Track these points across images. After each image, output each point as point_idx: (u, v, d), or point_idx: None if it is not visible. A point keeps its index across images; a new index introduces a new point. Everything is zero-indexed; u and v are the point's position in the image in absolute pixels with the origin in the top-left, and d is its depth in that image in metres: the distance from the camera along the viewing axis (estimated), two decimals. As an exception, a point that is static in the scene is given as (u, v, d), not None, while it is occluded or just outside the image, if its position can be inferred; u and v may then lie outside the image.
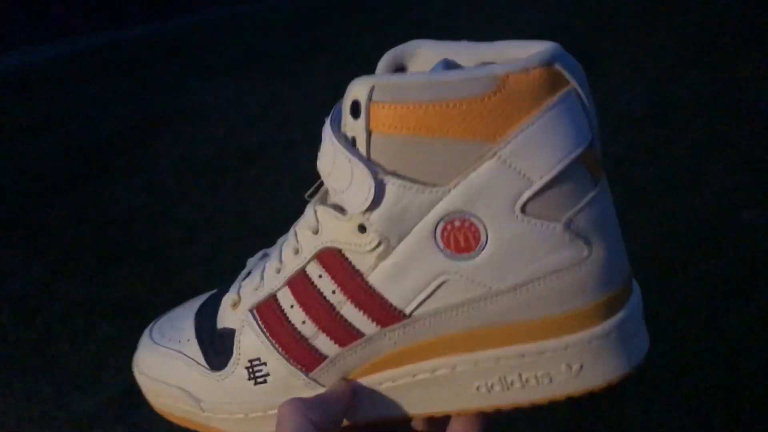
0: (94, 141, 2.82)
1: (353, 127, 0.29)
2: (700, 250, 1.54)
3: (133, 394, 1.43)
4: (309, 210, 0.33)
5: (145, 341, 0.39)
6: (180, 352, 0.36)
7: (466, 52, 0.31)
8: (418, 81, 0.28)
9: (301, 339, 0.32)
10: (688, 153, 1.93)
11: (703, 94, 2.21)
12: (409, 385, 0.32)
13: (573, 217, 0.29)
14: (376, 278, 0.31)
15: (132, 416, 1.37)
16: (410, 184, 0.29)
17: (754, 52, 2.34)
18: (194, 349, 0.36)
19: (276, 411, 0.32)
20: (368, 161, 0.29)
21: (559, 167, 0.28)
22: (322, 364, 0.33)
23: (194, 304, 0.39)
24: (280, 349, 0.33)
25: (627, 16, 2.89)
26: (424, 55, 0.32)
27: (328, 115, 0.31)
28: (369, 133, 0.29)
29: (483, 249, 0.29)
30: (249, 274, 0.36)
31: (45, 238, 2.09)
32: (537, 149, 0.28)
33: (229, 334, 0.34)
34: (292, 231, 0.34)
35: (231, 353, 0.34)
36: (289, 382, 0.33)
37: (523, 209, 0.29)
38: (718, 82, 2.27)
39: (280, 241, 0.36)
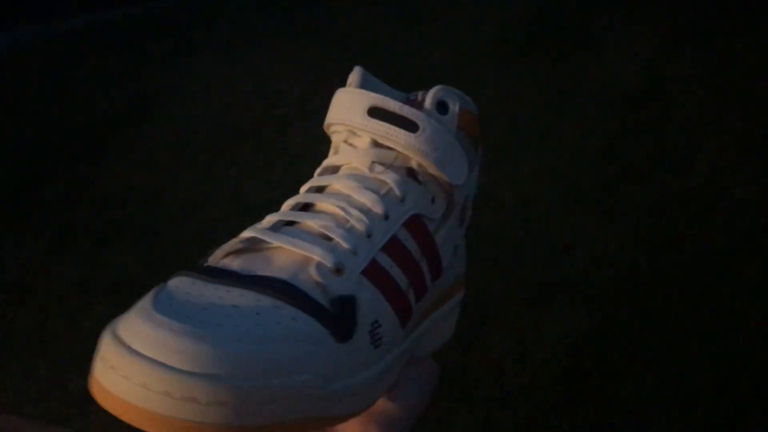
0: (87, 121, 2.80)
1: (447, 122, 0.39)
2: (693, 227, 1.55)
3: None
4: (389, 177, 0.37)
5: (214, 338, 0.26)
6: (289, 335, 0.28)
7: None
8: (467, 98, 0.40)
9: (403, 296, 0.35)
10: (682, 130, 1.93)
11: (699, 72, 2.21)
12: (431, 326, 0.40)
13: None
14: (437, 240, 0.38)
15: (129, 395, 1.38)
16: (475, 171, 0.41)
17: (751, 30, 2.34)
18: (308, 325, 0.29)
19: (387, 372, 0.34)
20: (468, 151, 0.39)
21: None
22: (411, 318, 0.36)
23: (206, 287, 0.30)
24: (392, 308, 0.34)
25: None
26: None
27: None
28: (457, 129, 0.39)
29: (464, 225, 0.41)
30: (318, 238, 0.34)
31: (39, 218, 2.08)
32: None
33: (349, 301, 0.31)
34: (368, 195, 0.36)
35: (355, 321, 0.31)
36: (395, 340, 0.35)
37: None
38: (713, 59, 2.26)
39: (323, 202, 0.36)
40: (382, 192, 0.37)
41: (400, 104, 0.37)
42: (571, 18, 2.80)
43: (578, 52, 2.56)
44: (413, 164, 0.38)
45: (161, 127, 2.65)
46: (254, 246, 0.34)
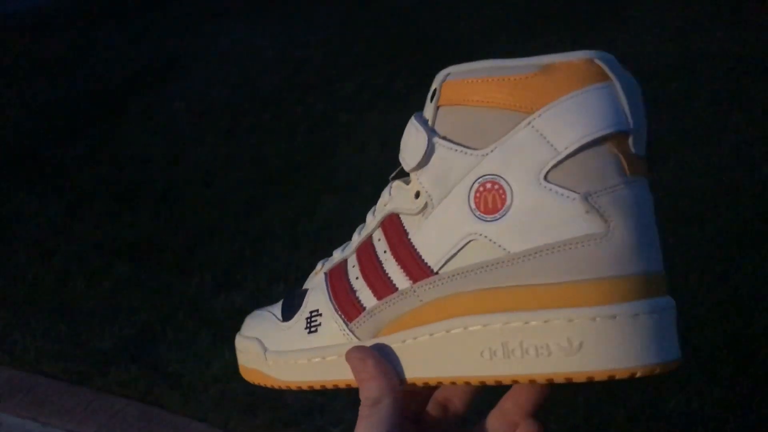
0: (110, 82, 2.81)
1: (428, 109, 0.34)
2: (717, 204, 1.53)
3: (147, 334, 1.46)
4: (390, 184, 0.37)
5: (248, 322, 0.44)
6: (269, 312, 0.42)
7: None
8: (484, 63, 0.33)
9: (350, 292, 0.37)
10: (709, 106, 1.90)
11: (728, 48, 2.16)
12: (426, 344, 0.34)
13: (593, 193, 0.30)
14: (416, 236, 0.34)
15: (146, 356, 1.40)
16: (456, 147, 0.32)
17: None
18: (278, 308, 0.42)
19: (332, 358, 0.38)
20: (430, 129, 0.33)
21: (582, 141, 0.30)
22: (360, 315, 0.36)
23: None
24: (334, 301, 0.38)
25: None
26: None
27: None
28: (437, 108, 0.34)
29: (507, 212, 0.31)
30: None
31: (61, 179, 2.10)
32: (566, 122, 0.30)
33: (304, 293, 0.40)
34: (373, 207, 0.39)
35: (300, 307, 0.40)
36: (332, 331, 0.38)
37: (546, 177, 0.31)
38: (743, 35, 2.21)
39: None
40: (379, 200, 0.38)
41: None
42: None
43: (606, 23, 2.51)
44: None
45: (182, 91, 2.64)
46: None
